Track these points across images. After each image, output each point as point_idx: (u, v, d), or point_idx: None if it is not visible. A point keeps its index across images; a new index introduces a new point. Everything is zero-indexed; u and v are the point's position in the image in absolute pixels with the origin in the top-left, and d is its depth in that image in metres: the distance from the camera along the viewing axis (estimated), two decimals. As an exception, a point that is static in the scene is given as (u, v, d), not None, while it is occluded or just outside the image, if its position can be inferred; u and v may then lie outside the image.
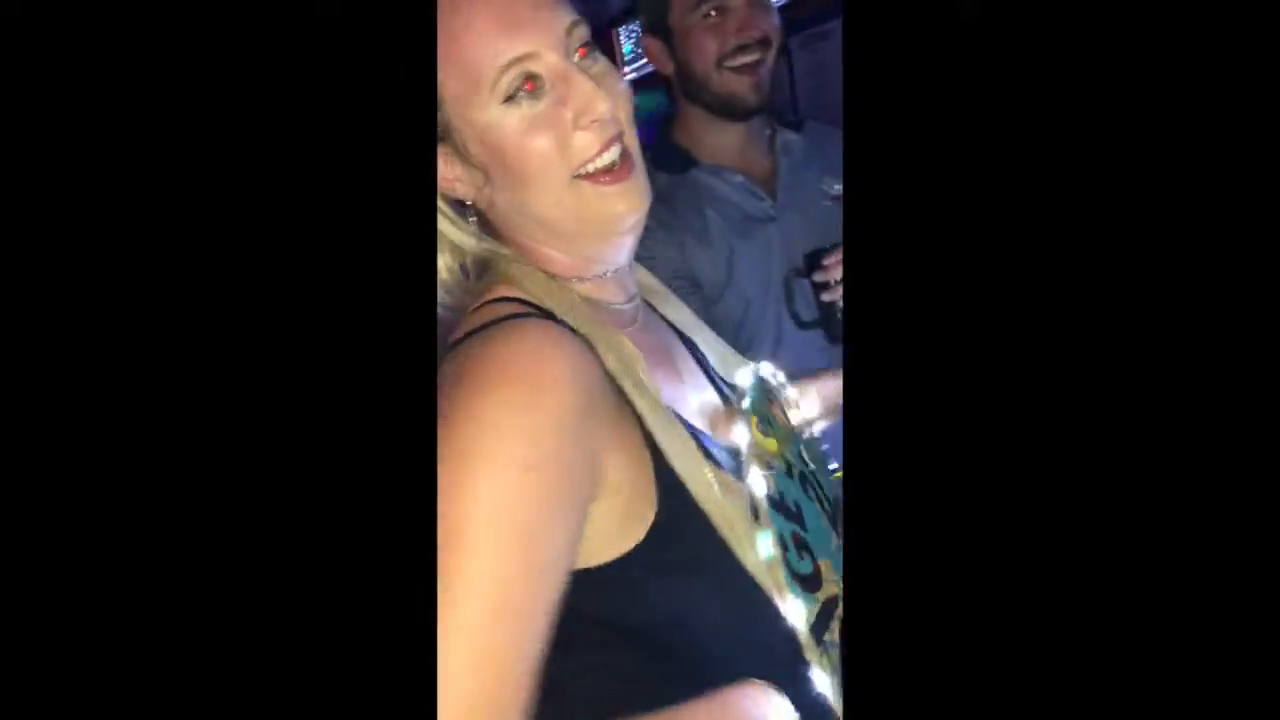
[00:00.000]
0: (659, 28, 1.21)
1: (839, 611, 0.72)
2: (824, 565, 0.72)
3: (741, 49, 1.18)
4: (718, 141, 1.24)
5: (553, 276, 0.73)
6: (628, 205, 0.71)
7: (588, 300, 0.73)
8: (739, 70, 1.18)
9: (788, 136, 1.29)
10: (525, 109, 0.68)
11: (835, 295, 1.10)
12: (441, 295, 0.72)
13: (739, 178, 1.25)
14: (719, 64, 1.17)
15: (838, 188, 1.18)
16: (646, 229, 0.75)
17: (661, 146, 1.28)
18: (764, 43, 1.19)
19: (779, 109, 1.48)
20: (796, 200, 1.26)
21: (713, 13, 1.16)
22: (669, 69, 1.24)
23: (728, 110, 1.22)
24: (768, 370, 0.87)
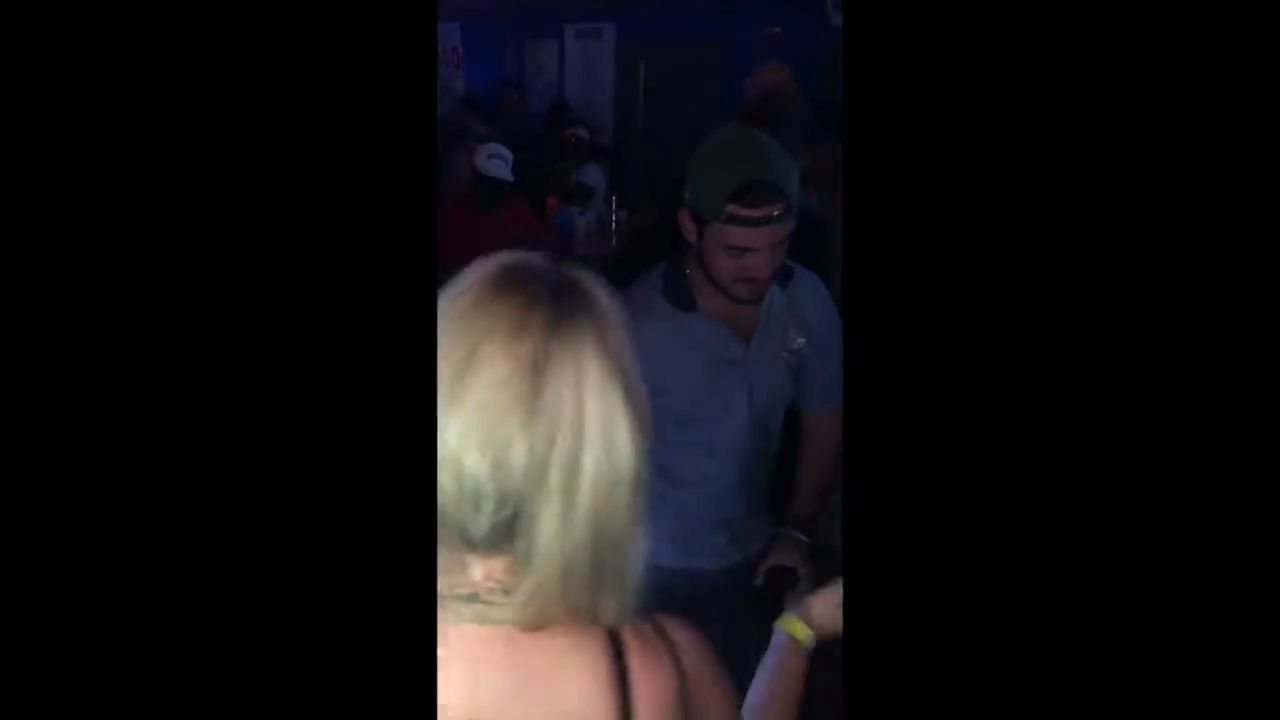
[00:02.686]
0: (698, 218, 1.30)
1: None
2: None
3: (752, 280, 1.30)
4: (716, 294, 1.36)
5: None
6: None
7: None
8: (744, 289, 1.32)
9: (774, 290, 1.41)
10: None
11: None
12: None
13: (725, 328, 1.38)
14: (731, 281, 1.31)
15: (800, 342, 1.39)
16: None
17: (675, 276, 1.39)
18: (772, 276, 1.32)
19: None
20: (766, 349, 1.41)
21: (734, 252, 1.27)
22: (691, 241, 1.34)
23: (725, 293, 1.35)
24: None
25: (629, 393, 0.63)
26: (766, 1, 5.06)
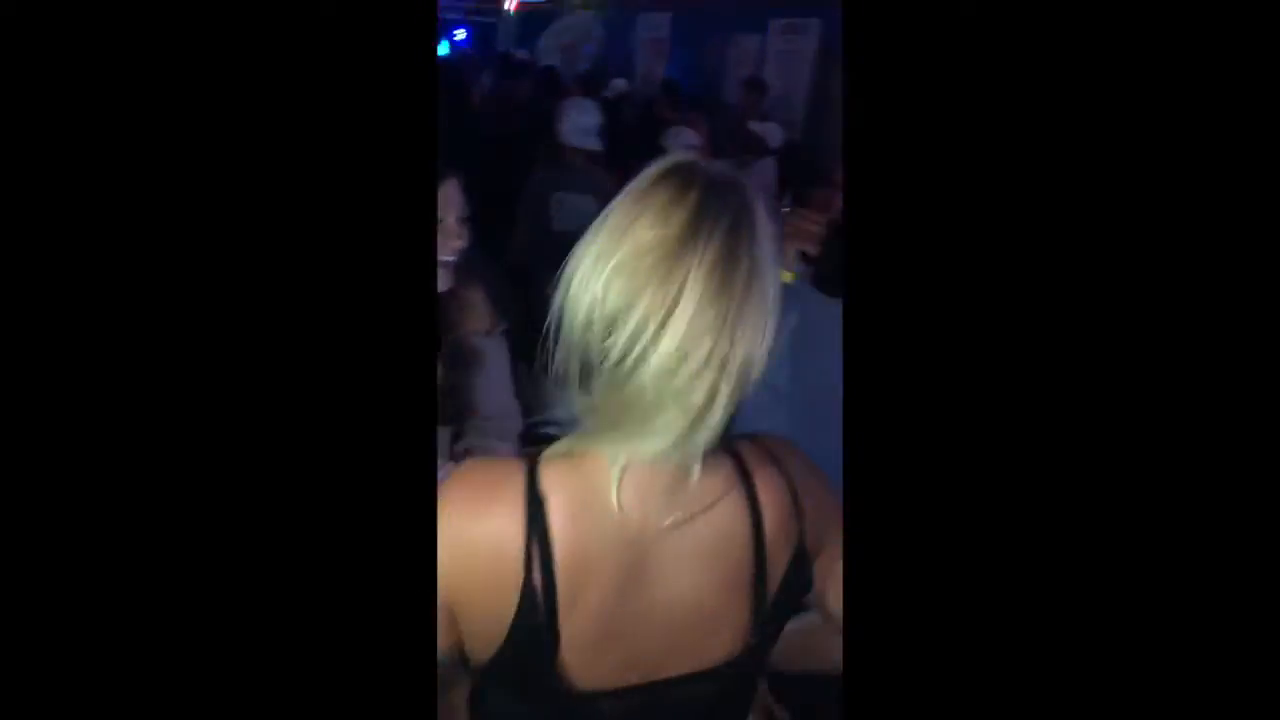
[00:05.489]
0: None
1: None
2: None
3: None
4: None
5: None
6: None
7: None
8: None
9: None
10: None
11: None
12: None
13: None
14: None
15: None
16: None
17: (828, 266, 1.52)
18: None
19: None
20: None
21: None
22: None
23: None
24: None
25: (753, 279, 0.69)
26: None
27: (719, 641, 0.79)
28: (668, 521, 0.75)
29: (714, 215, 0.69)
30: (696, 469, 0.75)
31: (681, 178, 0.71)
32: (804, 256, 1.20)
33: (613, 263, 0.69)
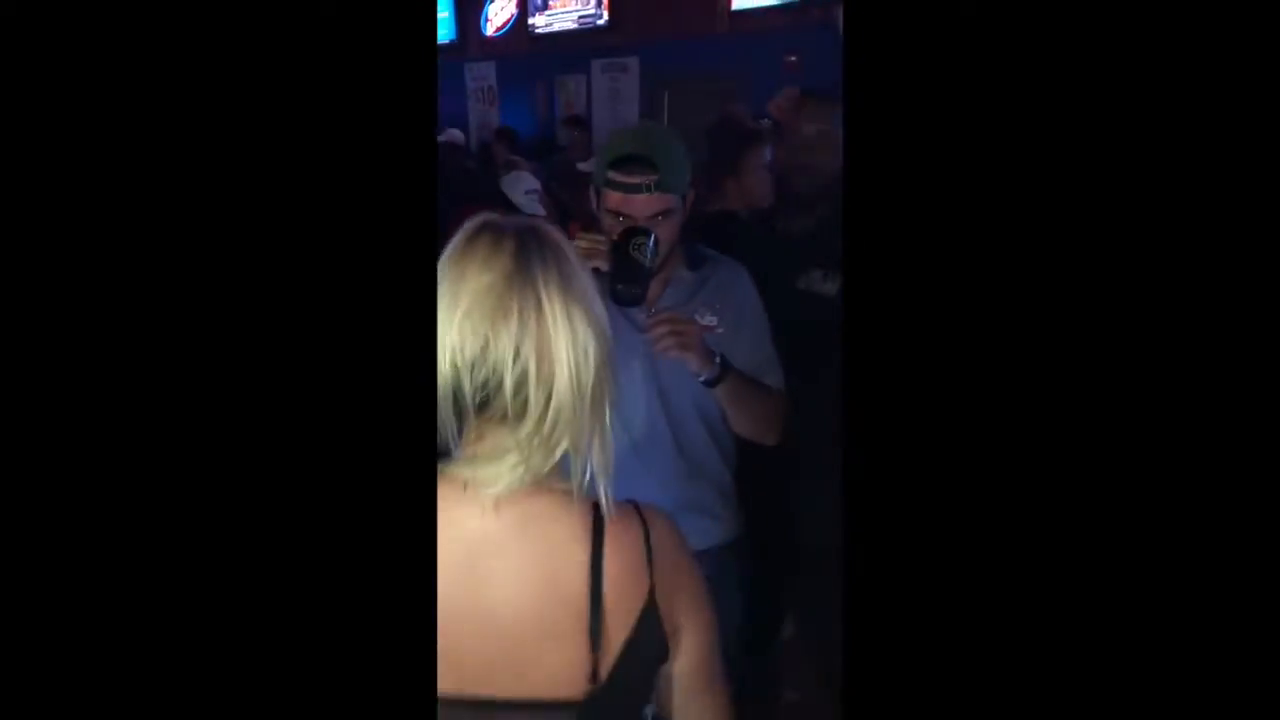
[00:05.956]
0: (596, 190, 1.51)
1: None
2: None
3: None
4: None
5: None
6: None
7: None
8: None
9: (681, 271, 1.56)
10: None
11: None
12: None
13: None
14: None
15: (710, 320, 1.49)
16: None
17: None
18: (658, 248, 1.45)
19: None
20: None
21: (613, 217, 1.47)
22: (595, 212, 1.51)
23: None
24: None
25: (585, 297, 0.82)
26: (785, 34, 5.27)
27: (553, 672, 0.83)
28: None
29: (534, 253, 0.81)
30: (551, 496, 0.84)
31: (491, 232, 0.82)
32: (596, 271, 1.32)
33: (461, 310, 0.79)
